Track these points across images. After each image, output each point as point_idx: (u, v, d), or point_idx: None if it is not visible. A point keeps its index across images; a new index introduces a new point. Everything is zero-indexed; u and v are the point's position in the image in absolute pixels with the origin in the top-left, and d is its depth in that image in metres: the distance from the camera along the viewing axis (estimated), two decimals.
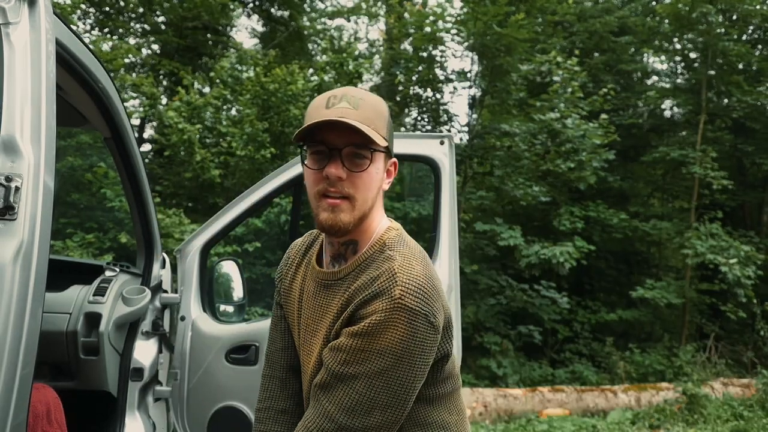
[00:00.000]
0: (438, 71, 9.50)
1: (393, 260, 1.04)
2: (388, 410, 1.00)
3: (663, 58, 10.84)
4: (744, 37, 9.70)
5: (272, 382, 1.28)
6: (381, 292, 1.00)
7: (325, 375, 1.03)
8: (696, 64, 9.87)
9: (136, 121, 9.02)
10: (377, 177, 1.08)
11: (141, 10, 9.50)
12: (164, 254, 2.37)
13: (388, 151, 1.09)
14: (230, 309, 2.39)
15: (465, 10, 8.94)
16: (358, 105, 1.03)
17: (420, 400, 1.07)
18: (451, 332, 1.10)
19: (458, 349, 1.97)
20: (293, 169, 2.17)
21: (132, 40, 9.56)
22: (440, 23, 9.14)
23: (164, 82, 9.95)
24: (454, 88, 9.64)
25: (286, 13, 10.85)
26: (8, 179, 0.96)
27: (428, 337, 1.00)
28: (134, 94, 8.29)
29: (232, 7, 9.76)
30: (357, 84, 8.46)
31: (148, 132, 9.65)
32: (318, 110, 1.04)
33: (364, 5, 11.02)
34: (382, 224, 1.13)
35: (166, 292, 2.35)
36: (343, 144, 1.02)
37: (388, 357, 0.98)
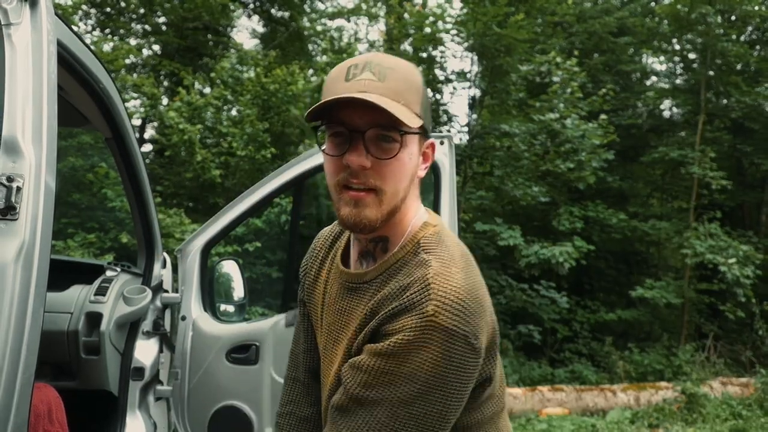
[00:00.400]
0: (438, 72, 9.51)
1: (428, 266, 0.85)
2: None
3: (662, 58, 10.85)
4: (743, 38, 9.70)
5: (295, 386, 1.14)
6: (411, 305, 0.82)
7: (344, 396, 0.86)
8: (695, 65, 9.87)
9: (137, 122, 9.03)
10: (410, 164, 0.88)
11: (142, 10, 9.51)
12: (165, 254, 2.38)
13: (423, 131, 0.90)
14: (231, 309, 2.40)
15: (465, 10, 8.94)
16: (384, 75, 0.84)
17: (454, 429, 0.89)
18: (496, 351, 0.91)
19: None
20: (293, 169, 2.18)
21: (133, 41, 9.57)
22: (440, 24, 9.15)
23: (165, 83, 9.96)
24: (454, 88, 9.66)
25: (287, 14, 10.86)
26: (10, 179, 0.97)
27: (467, 361, 0.82)
28: (135, 95, 8.30)
29: (232, 7, 9.76)
30: None
31: (149, 132, 9.66)
32: (336, 83, 0.86)
33: (364, 6, 11.02)
34: (418, 217, 0.95)
35: (166, 291, 2.36)
36: (366, 125, 0.84)
37: (417, 384, 0.80)
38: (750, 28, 9.82)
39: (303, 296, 1.13)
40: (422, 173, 0.93)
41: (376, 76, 0.84)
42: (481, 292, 0.86)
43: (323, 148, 0.89)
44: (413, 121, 0.85)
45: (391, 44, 11.19)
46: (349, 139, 0.84)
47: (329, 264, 1.05)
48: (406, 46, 10.67)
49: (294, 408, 1.13)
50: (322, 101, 0.84)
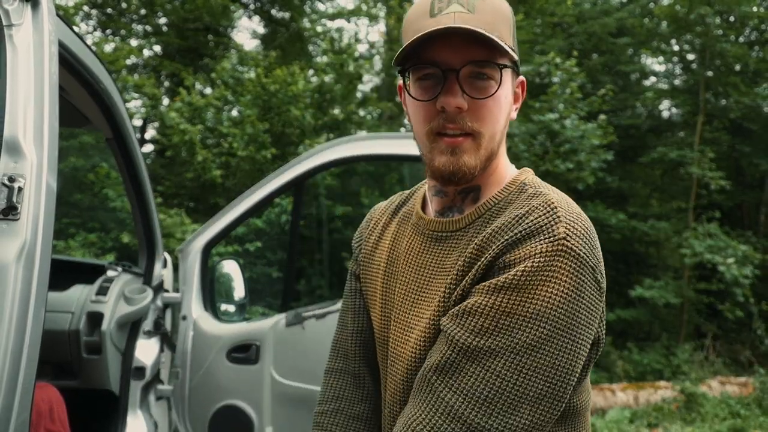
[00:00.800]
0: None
1: (546, 195, 0.77)
2: (541, 405, 0.68)
3: (661, 59, 10.85)
4: (741, 39, 9.71)
5: (342, 379, 0.99)
6: (537, 229, 0.71)
7: (447, 352, 0.71)
8: (694, 65, 9.89)
9: (138, 122, 9.04)
10: (506, 103, 0.81)
11: (143, 11, 9.51)
12: (166, 254, 2.39)
13: (516, 66, 0.83)
14: (231, 308, 2.41)
15: None
16: (474, 7, 0.75)
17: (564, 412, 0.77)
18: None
19: None
20: (294, 169, 2.19)
21: (134, 42, 9.57)
22: None
23: (166, 83, 9.97)
24: None
25: (287, 15, 10.86)
26: (11, 179, 0.97)
27: (594, 300, 0.71)
28: (136, 95, 8.30)
29: (233, 8, 9.77)
30: (357, 84, 8.47)
31: (150, 132, 9.67)
32: (420, 20, 0.77)
33: (364, 7, 11.03)
34: (510, 166, 0.88)
35: (167, 291, 2.37)
36: (460, 63, 0.76)
37: (546, 324, 0.67)
38: (748, 29, 9.83)
39: (357, 269, 1.01)
40: (514, 114, 0.86)
41: (466, 8, 0.75)
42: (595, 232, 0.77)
43: (410, 92, 0.80)
44: (509, 55, 0.78)
45: (391, 45, 11.19)
46: (442, 80, 0.76)
47: (397, 225, 0.95)
48: None
49: (341, 404, 0.97)
50: (414, 38, 0.74)
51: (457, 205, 0.86)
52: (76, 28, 1.38)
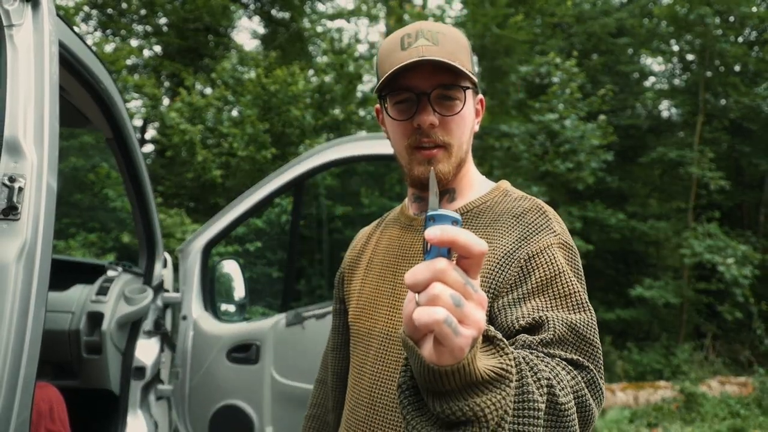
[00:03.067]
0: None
1: (531, 199, 0.96)
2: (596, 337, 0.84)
3: (661, 59, 10.86)
4: (741, 39, 9.72)
5: (323, 389, 1.20)
6: (541, 226, 0.90)
7: (559, 330, 0.80)
8: (693, 66, 9.89)
9: (138, 122, 9.04)
10: (470, 118, 0.96)
11: (143, 12, 9.51)
12: (166, 254, 2.39)
13: (476, 87, 0.97)
14: (231, 308, 2.41)
15: (464, 11, 8.96)
16: (437, 40, 0.90)
17: None
18: None
19: None
20: (294, 169, 2.19)
21: (134, 42, 9.57)
22: None
23: (166, 83, 9.97)
24: None
25: (287, 15, 10.86)
26: (11, 180, 0.97)
27: (581, 267, 0.91)
28: (136, 95, 8.31)
29: (233, 8, 9.77)
30: (357, 84, 8.47)
31: (150, 133, 9.67)
32: (393, 54, 0.91)
33: (364, 7, 11.03)
34: (483, 177, 1.05)
35: (167, 291, 2.37)
36: (430, 87, 0.90)
37: (576, 279, 0.86)
38: (748, 29, 9.83)
39: (341, 294, 1.15)
40: (477, 127, 1.00)
41: (430, 41, 0.89)
42: None
43: (390, 114, 0.94)
44: (470, 78, 0.92)
45: None
46: (416, 102, 0.91)
47: (379, 234, 1.10)
48: None
49: (319, 411, 1.18)
50: (393, 69, 0.88)
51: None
52: (76, 29, 1.38)
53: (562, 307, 0.82)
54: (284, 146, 7.84)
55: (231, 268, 2.41)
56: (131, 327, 2.13)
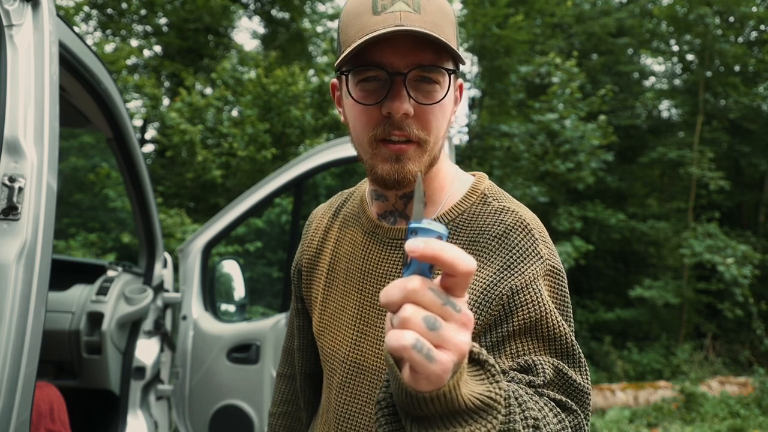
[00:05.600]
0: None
1: (515, 212, 0.79)
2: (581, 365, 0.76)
3: (660, 59, 10.86)
4: (741, 39, 9.72)
5: (291, 384, 1.09)
6: (525, 252, 0.76)
7: (548, 373, 0.73)
8: (693, 66, 9.89)
9: (139, 122, 9.04)
10: (450, 108, 0.78)
11: (143, 12, 9.51)
12: (166, 254, 2.39)
13: (458, 69, 0.79)
14: (231, 308, 2.41)
15: (464, 11, 8.96)
16: (419, 6, 0.71)
17: None
18: None
19: None
20: (294, 169, 2.19)
21: (134, 42, 9.57)
22: None
23: (166, 84, 9.97)
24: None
25: (287, 15, 10.87)
26: (12, 180, 0.98)
27: (568, 293, 0.80)
28: (136, 95, 8.30)
29: (233, 9, 9.77)
30: None
31: (150, 133, 9.67)
32: (362, 17, 0.72)
33: None
34: (456, 170, 0.88)
35: (167, 291, 2.37)
36: (407, 66, 0.71)
37: (561, 318, 0.75)
38: (748, 30, 9.83)
39: (300, 292, 1.02)
40: (454, 118, 0.82)
41: (411, 7, 0.71)
42: None
43: (352, 95, 0.75)
44: (454, 59, 0.75)
45: None
46: (388, 84, 0.72)
47: (338, 230, 0.94)
48: None
49: (289, 408, 1.07)
50: (364, 39, 0.69)
51: (398, 210, 0.85)
52: (76, 29, 1.38)
53: (549, 352, 0.73)
54: (284, 146, 7.84)
55: (231, 268, 2.41)
56: (131, 327, 2.13)
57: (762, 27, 9.65)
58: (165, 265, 2.35)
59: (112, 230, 7.13)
